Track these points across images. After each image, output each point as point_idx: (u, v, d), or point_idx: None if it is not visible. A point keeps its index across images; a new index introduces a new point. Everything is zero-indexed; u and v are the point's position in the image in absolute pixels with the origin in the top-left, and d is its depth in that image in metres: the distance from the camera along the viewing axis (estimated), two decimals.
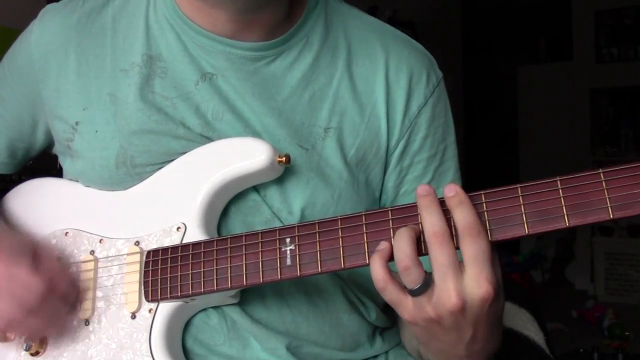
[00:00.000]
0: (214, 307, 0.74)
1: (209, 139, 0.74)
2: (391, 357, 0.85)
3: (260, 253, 0.64)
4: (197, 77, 0.75)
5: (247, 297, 0.74)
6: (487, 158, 4.61)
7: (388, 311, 0.89)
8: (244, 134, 0.74)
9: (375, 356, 0.84)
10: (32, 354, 0.74)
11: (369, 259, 0.59)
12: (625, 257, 4.01)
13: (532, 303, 0.89)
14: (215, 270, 0.66)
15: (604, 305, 3.63)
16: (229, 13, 0.73)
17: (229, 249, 0.66)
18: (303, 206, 0.74)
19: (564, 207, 0.54)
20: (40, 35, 0.80)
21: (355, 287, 0.80)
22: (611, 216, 0.53)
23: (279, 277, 0.63)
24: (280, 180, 0.74)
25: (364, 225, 0.61)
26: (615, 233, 4.10)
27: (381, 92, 0.78)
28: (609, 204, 0.53)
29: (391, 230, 0.59)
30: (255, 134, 0.74)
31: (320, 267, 0.61)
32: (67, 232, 0.78)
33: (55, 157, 0.86)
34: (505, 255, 3.73)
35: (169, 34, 0.77)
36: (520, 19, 4.96)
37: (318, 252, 0.62)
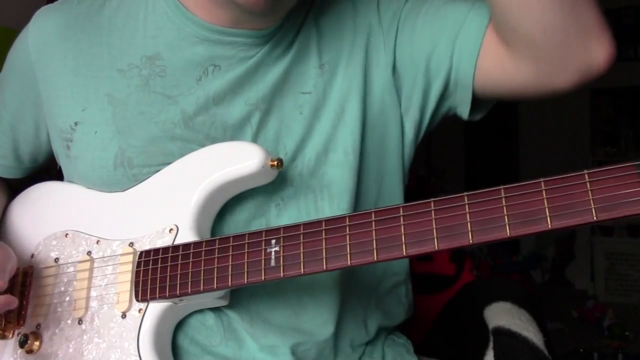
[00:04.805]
0: (210, 308, 0.74)
1: (208, 136, 0.75)
2: (389, 356, 0.86)
3: (246, 254, 0.65)
4: (199, 73, 0.76)
5: (243, 296, 0.74)
6: (487, 158, 4.60)
7: (388, 311, 0.90)
8: (247, 124, 0.76)
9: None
10: (27, 352, 0.75)
11: (350, 260, 0.60)
12: (625, 257, 4.00)
13: (532, 303, 0.89)
14: (202, 270, 0.67)
15: (604, 305, 3.63)
16: (236, 13, 0.74)
17: (216, 250, 0.66)
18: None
19: (546, 209, 0.53)
20: (37, 37, 0.81)
21: (355, 286, 0.81)
22: (595, 218, 0.51)
23: (263, 278, 0.63)
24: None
25: (347, 227, 0.61)
26: (615, 233, 4.09)
27: (360, 53, 0.80)
28: (592, 206, 0.52)
29: (374, 231, 0.59)
30: (262, 120, 0.76)
31: (303, 269, 0.61)
32: (67, 234, 0.79)
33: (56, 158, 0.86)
34: (505, 255, 3.72)
35: (169, 31, 0.77)
36: None
37: (301, 254, 0.62)
